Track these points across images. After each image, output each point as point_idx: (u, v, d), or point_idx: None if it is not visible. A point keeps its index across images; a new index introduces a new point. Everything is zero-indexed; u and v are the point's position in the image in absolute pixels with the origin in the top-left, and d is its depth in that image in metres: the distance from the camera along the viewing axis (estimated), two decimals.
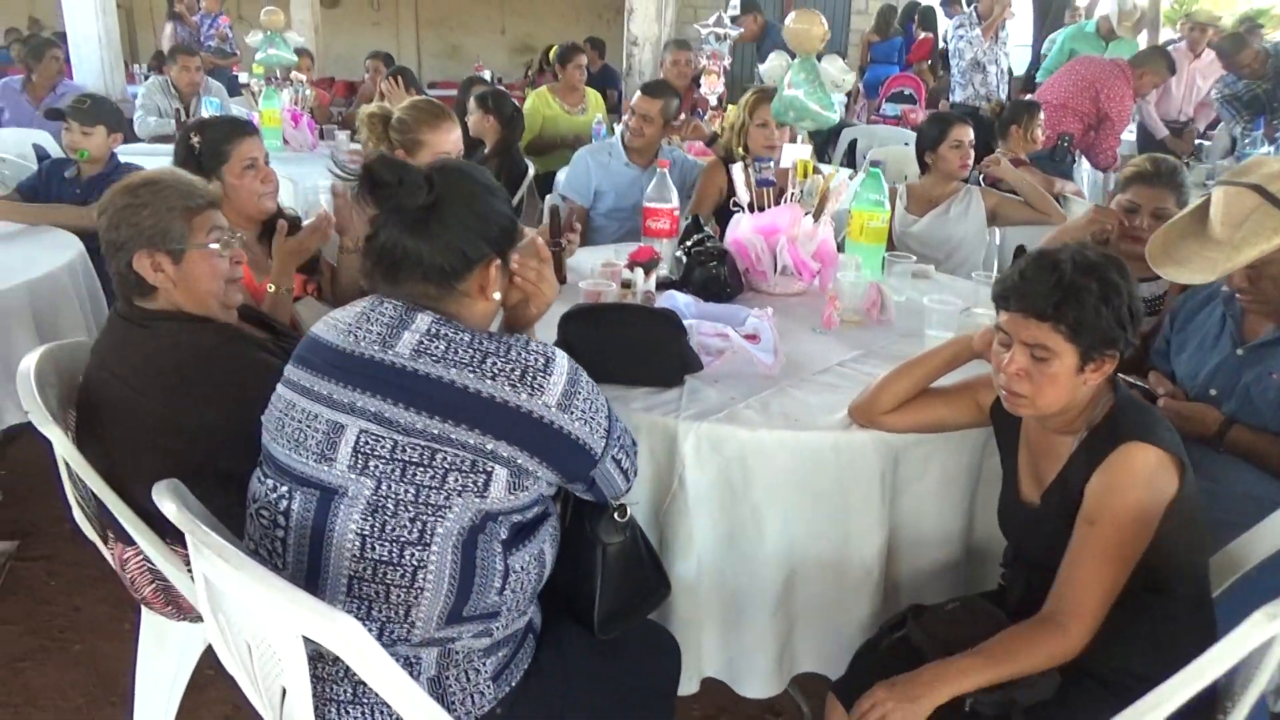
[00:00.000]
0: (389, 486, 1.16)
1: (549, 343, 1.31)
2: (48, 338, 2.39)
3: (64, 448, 1.49)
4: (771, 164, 2.53)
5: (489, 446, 1.16)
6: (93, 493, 1.56)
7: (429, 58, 14.98)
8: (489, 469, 1.17)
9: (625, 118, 3.50)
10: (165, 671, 1.74)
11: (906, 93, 7.54)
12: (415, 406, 1.16)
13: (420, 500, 1.16)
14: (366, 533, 1.17)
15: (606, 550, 1.38)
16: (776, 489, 1.65)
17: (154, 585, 1.64)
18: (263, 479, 1.29)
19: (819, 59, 2.28)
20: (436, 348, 1.19)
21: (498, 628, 1.26)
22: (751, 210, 2.49)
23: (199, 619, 1.67)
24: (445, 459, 1.16)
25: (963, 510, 1.76)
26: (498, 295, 1.31)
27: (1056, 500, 1.41)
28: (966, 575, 1.82)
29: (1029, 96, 5.01)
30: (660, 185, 2.46)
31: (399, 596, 1.18)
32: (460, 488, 1.16)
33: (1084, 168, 5.06)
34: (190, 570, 1.57)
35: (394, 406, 1.17)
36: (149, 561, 1.58)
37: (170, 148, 4.58)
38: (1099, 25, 6.00)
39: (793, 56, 2.42)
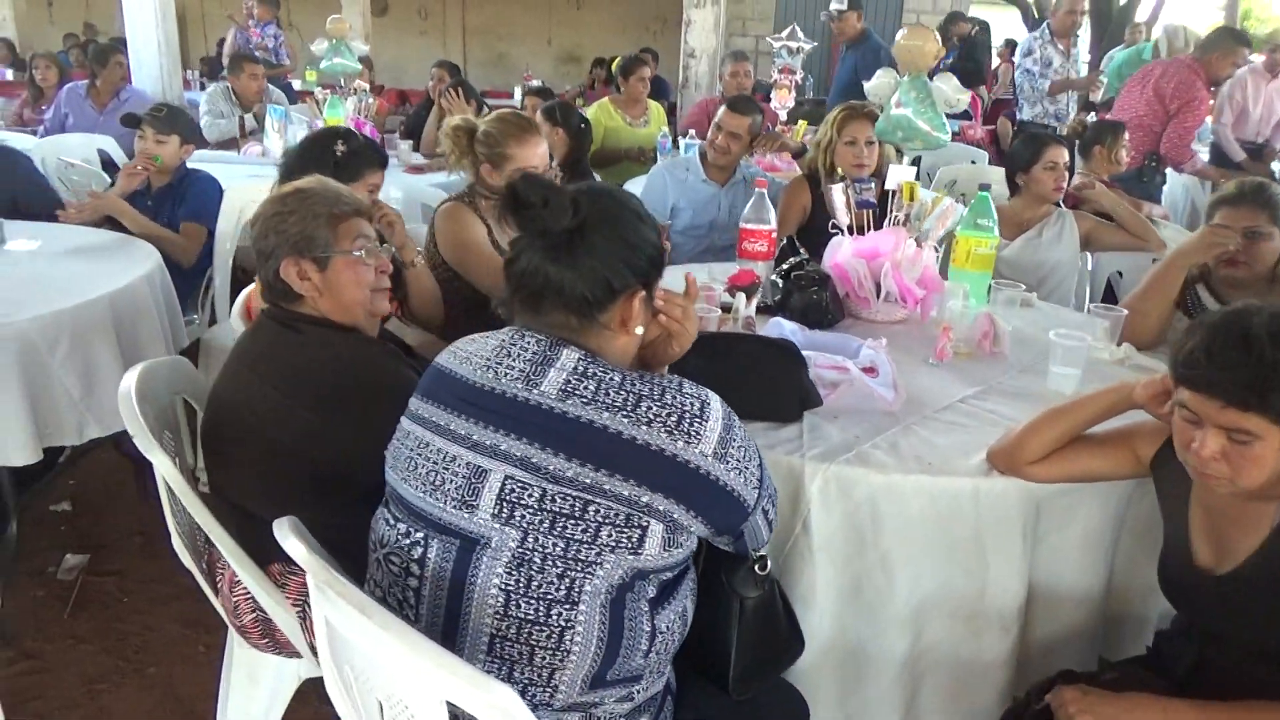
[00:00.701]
0: (536, 539, 1.07)
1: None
2: (128, 351, 2.35)
3: (169, 472, 1.42)
4: (872, 185, 2.43)
5: (644, 499, 1.07)
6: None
7: (475, 66, 15.03)
8: (644, 524, 1.08)
9: (709, 134, 3.40)
10: (257, 709, 1.66)
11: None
12: (565, 452, 1.07)
13: (570, 555, 1.07)
14: (511, 588, 1.08)
15: (744, 604, 1.29)
16: (909, 537, 1.55)
17: (255, 615, 1.56)
18: (391, 521, 1.21)
19: (930, 77, 2.18)
20: (586, 388, 1.10)
21: (639, 690, 1.16)
22: (851, 233, 2.39)
23: (294, 655, 1.60)
24: (598, 511, 1.07)
25: (1104, 566, 1.64)
26: (640, 330, 1.22)
27: (1264, 573, 1.28)
28: (1103, 638, 1.70)
29: (1108, 116, 4.85)
30: (758, 205, 2.37)
31: (543, 659, 1.09)
32: (613, 543, 1.07)
33: (1166, 188, 4.91)
34: (294, 606, 1.52)
35: (541, 451, 1.08)
36: None
37: (231, 154, 4.64)
38: (1155, 49, 5.84)
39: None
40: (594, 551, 1.07)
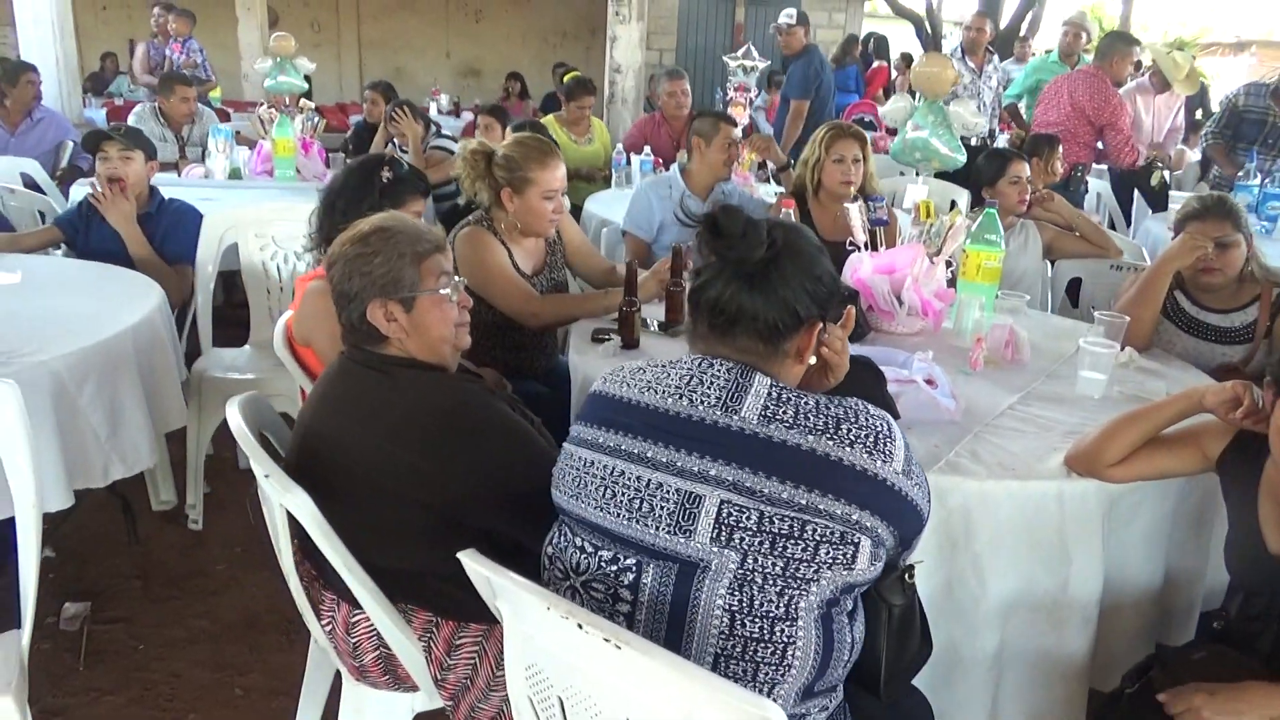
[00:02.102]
0: (756, 560, 1.12)
1: None
2: (149, 385, 2.27)
3: (311, 515, 1.38)
4: (884, 203, 2.54)
5: (854, 516, 1.13)
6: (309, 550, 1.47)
7: (371, 79, 14.74)
8: (856, 540, 1.13)
9: (714, 153, 3.45)
10: None
11: (866, 119, 7.71)
12: (778, 475, 1.12)
13: (789, 574, 1.12)
14: (735, 608, 1.12)
15: (892, 612, 1.35)
16: (998, 539, 1.65)
17: (377, 653, 1.54)
18: (589, 549, 1.23)
19: (946, 102, 2.30)
20: (785, 413, 1.15)
21: (833, 700, 1.22)
22: (867, 249, 2.50)
23: (412, 689, 1.58)
24: (816, 531, 1.12)
25: (1162, 556, 1.78)
26: (813, 359, 1.28)
27: None
28: (1156, 624, 1.84)
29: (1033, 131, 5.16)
30: None
31: (766, 674, 1.13)
32: (830, 560, 1.12)
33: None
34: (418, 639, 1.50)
35: (754, 475, 1.13)
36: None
37: (172, 176, 4.46)
38: (1059, 52, 6.25)
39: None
40: (813, 569, 1.12)
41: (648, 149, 4.84)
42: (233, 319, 3.23)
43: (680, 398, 1.20)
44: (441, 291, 1.57)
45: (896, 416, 1.77)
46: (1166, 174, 5.56)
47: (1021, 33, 10.44)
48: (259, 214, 3.21)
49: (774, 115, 7.36)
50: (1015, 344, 2.27)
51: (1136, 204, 6.02)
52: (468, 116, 9.05)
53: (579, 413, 1.34)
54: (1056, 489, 1.65)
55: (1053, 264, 3.47)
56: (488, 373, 2.31)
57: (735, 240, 1.21)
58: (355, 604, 1.49)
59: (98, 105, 8.41)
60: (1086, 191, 4.87)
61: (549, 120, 5.35)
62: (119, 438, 2.14)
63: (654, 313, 2.44)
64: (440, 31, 14.85)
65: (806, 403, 1.17)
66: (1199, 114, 7.83)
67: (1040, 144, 4.27)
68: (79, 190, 4.05)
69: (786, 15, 5.48)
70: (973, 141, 5.58)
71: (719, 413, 1.17)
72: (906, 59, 11.52)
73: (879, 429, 1.17)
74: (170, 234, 3.10)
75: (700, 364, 1.23)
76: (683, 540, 1.14)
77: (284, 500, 1.39)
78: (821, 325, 1.27)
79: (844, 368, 1.37)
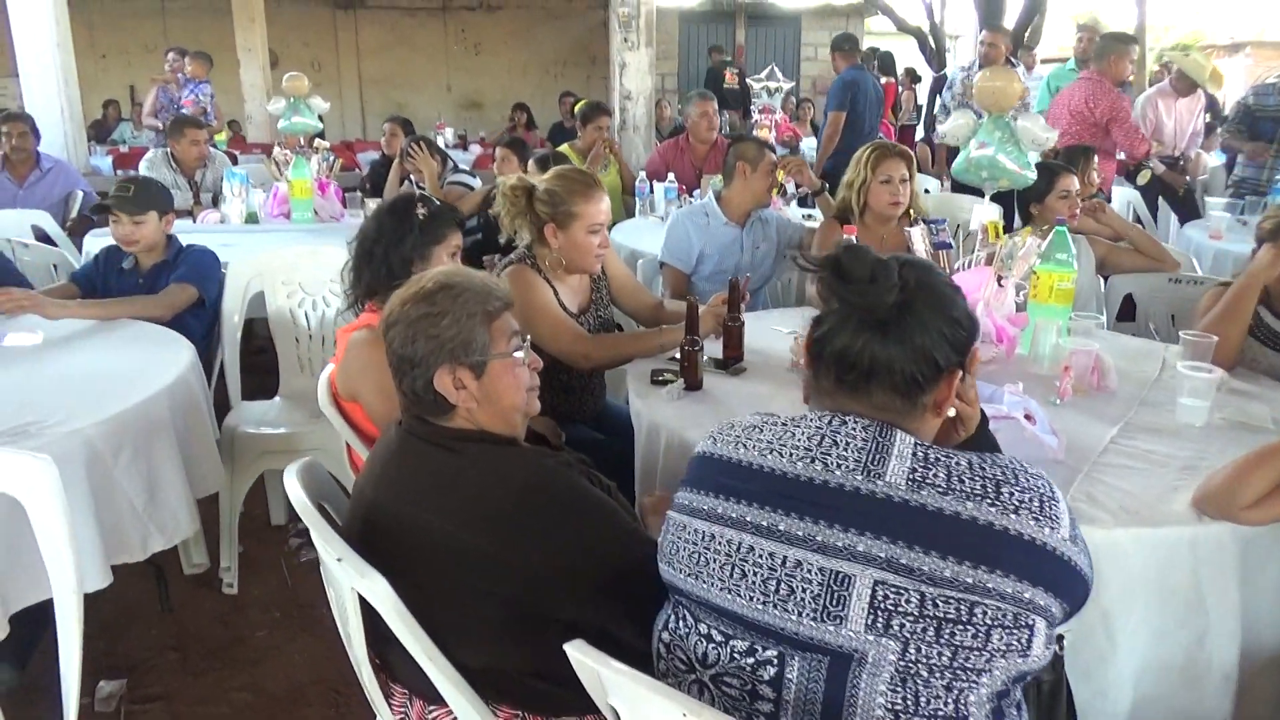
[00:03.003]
0: (920, 649, 0.98)
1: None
2: (185, 448, 2.14)
3: (385, 597, 1.24)
4: (946, 224, 2.42)
5: (1026, 595, 0.99)
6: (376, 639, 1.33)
7: (374, 117, 14.73)
8: (1030, 622, 0.99)
9: (755, 179, 3.34)
10: None
11: (878, 136, 7.64)
12: (937, 549, 0.98)
13: (957, 664, 0.98)
14: (899, 707, 0.98)
15: (1041, 688, 1.22)
16: (1130, 592, 1.51)
17: None
18: (717, 638, 1.08)
19: (1014, 117, 2.18)
20: (935, 476, 1.02)
21: None
22: None
23: None
24: (987, 614, 0.97)
25: None
26: (951, 411, 1.14)
27: None
28: None
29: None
30: None
31: None
32: (1005, 647, 0.98)
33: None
34: None
35: (910, 550, 0.99)
36: None
37: (187, 222, 4.36)
38: (1075, 58, 6.18)
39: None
40: (984, 658, 0.98)
41: (671, 176, 4.72)
42: (248, 366, 3.10)
43: (812, 461, 1.07)
44: (515, 354, 1.44)
45: None
46: (1154, 170, 5.55)
47: (1023, 42, 10.41)
48: (285, 260, 3.10)
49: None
50: (1101, 370, 2.13)
51: (1161, 212, 5.92)
52: (475, 149, 8.99)
53: (685, 477, 1.21)
54: (1189, 535, 1.51)
55: (1105, 279, 3.34)
56: (543, 423, 2.18)
57: (863, 284, 1.08)
58: (431, 699, 1.35)
59: (103, 152, 8.36)
60: (1110, 201, 4.77)
61: (563, 150, 5.25)
62: (157, 507, 2.01)
63: (709, 349, 2.32)
64: (440, 66, 14.86)
65: (958, 463, 1.03)
66: (1207, 117, 7.77)
67: (1075, 155, 4.15)
68: (92, 241, 3.95)
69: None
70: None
71: (860, 478, 1.04)
72: (911, 74, 11.50)
73: (1043, 491, 1.03)
74: (184, 278, 2.97)
75: (831, 422, 1.09)
76: (832, 628, 1.01)
77: (359, 586, 1.25)
78: (961, 373, 1.14)
79: (976, 418, 1.24)
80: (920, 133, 10.52)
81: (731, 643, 1.08)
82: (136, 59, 13.53)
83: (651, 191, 4.77)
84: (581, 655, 1.05)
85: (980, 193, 4.71)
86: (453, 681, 1.26)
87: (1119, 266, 3.27)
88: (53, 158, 5.27)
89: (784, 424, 1.13)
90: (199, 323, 2.98)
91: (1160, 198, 5.92)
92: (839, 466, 1.05)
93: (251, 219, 4.41)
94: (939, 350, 1.09)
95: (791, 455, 1.08)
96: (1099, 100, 4.91)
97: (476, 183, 4.92)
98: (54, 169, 5.11)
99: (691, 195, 4.81)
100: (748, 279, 2.43)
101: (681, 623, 1.14)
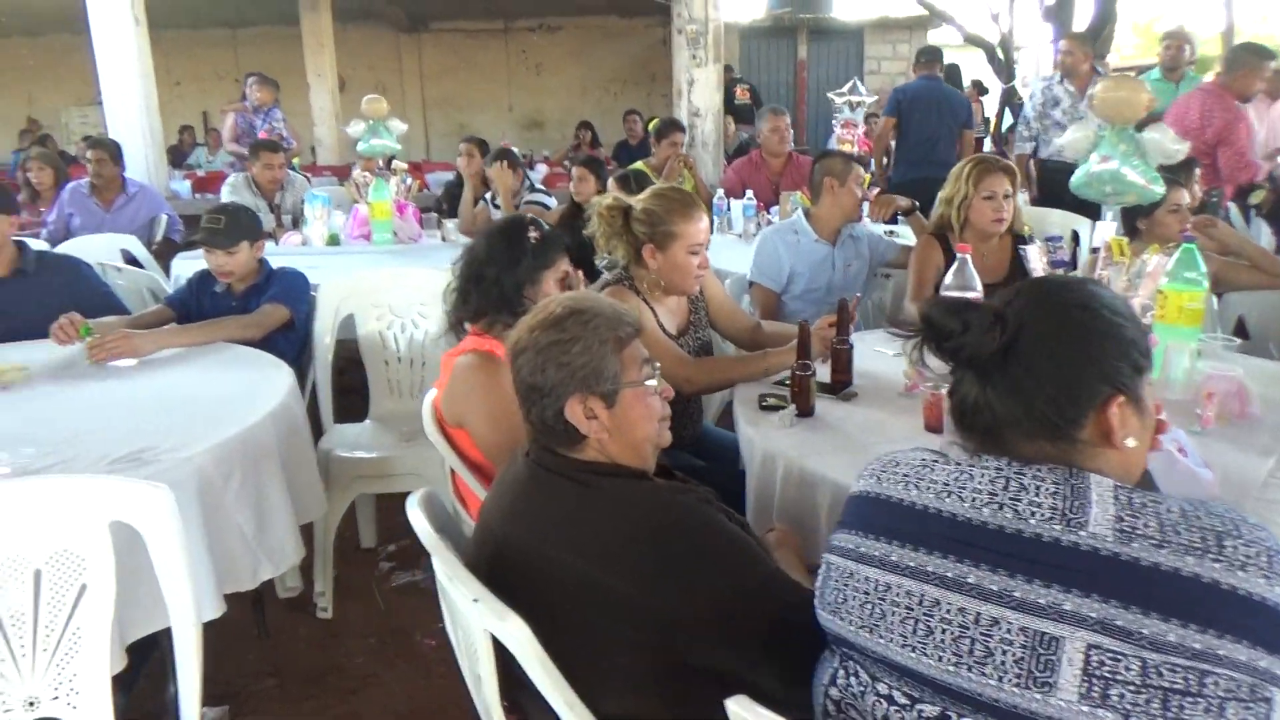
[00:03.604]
0: None
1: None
2: (289, 474, 2.12)
3: (525, 641, 1.18)
4: (1063, 243, 2.32)
5: (1262, 664, 0.88)
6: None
7: (437, 138, 14.95)
8: (1267, 695, 0.89)
9: (844, 195, 3.27)
10: None
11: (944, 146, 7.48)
12: (1158, 611, 0.89)
13: None
14: None
15: None
16: None
17: None
18: (898, 699, 1.01)
19: (1139, 129, 2.08)
20: (1148, 526, 0.93)
21: None
22: None
23: None
24: (1219, 685, 0.87)
25: None
26: (1132, 442, 1.04)
27: None
28: None
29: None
30: (961, 272, 2.23)
31: None
32: None
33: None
34: None
35: (1127, 611, 0.90)
36: None
37: (270, 244, 4.40)
38: (1161, 67, 5.97)
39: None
40: None
41: (749, 193, 4.66)
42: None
43: (1000, 508, 0.98)
44: (647, 383, 1.38)
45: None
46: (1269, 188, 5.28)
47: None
48: (375, 282, 3.09)
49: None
50: (1244, 395, 2.01)
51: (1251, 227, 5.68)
52: (542, 168, 9.02)
53: (845, 519, 1.13)
54: None
55: (1218, 297, 3.19)
56: None
57: (958, 337, 1.02)
58: None
59: (180, 177, 8.57)
60: (1227, 216, 4.57)
61: (641, 166, 5.23)
62: (265, 534, 1.99)
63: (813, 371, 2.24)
64: (501, 87, 15.02)
65: (1169, 510, 0.94)
66: None
67: (1176, 168, 4.01)
68: (180, 265, 4.01)
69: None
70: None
71: (1059, 527, 0.95)
72: (978, 86, 11.30)
73: (1269, 544, 0.92)
74: (276, 298, 2.97)
75: (1011, 464, 1.01)
76: (1039, 696, 0.91)
77: (495, 629, 1.20)
78: (1123, 397, 1.03)
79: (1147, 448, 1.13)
80: (988, 145, 10.34)
81: (919, 707, 1.00)
82: (209, 86, 13.89)
83: (729, 209, 4.71)
84: (745, 712, 0.98)
85: (1063, 205, 4.60)
86: None
87: (1235, 284, 3.11)
88: (137, 182, 5.39)
89: (958, 463, 1.05)
90: (289, 344, 2.98)
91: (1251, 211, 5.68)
92: (1032, 515, 0.97)
93: (333, 241, 4.44)
94: (1074, 383, 1.01)
95: (974, 500, 1.00)
96: (1213, 117, 4.67)
97: (552, 202, 4.91)
98: (139, 194, 5.22)
99: (768, 211, 4.75)
100: (857, 299, 2.35)
101: (854, 679, 1.06)
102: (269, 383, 2.26)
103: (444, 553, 1.29)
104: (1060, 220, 4.39)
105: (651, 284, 2.38)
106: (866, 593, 1.04)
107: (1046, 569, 0.94)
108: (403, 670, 2.50)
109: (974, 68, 11.93)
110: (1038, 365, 1.02)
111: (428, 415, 2.00)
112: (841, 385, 2.20)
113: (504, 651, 1.23)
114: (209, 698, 2.39)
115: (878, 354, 2.44)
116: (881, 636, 1.02)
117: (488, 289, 2.01)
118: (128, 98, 6.78)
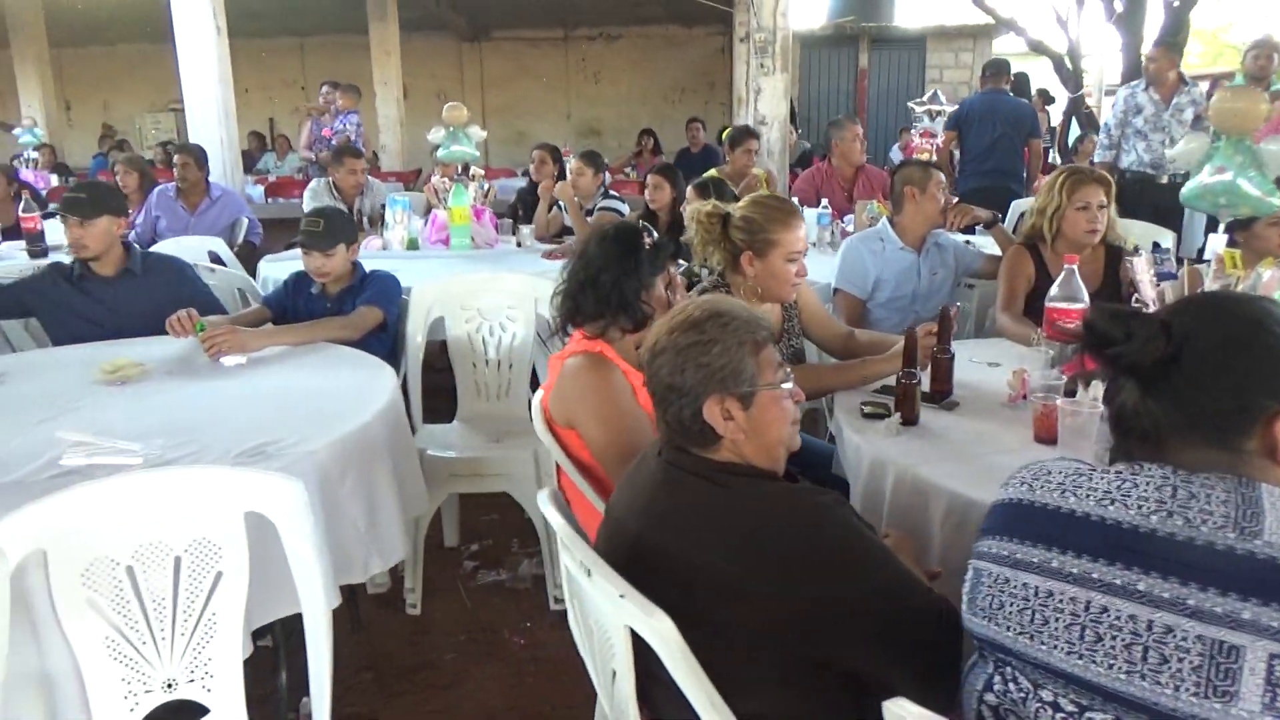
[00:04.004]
0: None
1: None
2: (398, 471, 2.16)
3: (672, 639, 1.19)
4: (1170, 255, 2.29)
5: None
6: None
7: (496, 145, 15.06)
8: None
9: (926, 202, 3.26)
10: None
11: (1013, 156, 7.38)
12: None
13: None
14: None
15: None
16: None
17: None
18: (1065, 706, 1.01)
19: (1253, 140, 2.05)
20: None
21: None
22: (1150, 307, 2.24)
23: None
24: None
25: None
26: None
27: None
28: None
29: None
30: (1067, 283, 2.22)
31: None
32: None
33: None
34: None
35: None
36: None
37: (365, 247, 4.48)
38: (1245, 77, 5.84)
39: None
40: None
41: (824, 201, 4.65)
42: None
43: (1169, 515, 0.98)
44: (783, 386, 1.40)
45: None
46: None
47: None
48: (465, 286, 3.15)
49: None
50: None
51: None
52: (606, 175, 9.06)
53: (990, 524, 1.14)
54: None
55: None
56: None
57: (1121, 344, 1.03)
58: None
59: (251, 181, 8.78)
60: None
61: (714, 172, 5.24)
62: (376, 528, 2.03)
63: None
64: (560, 95, 15.15)
65: None
66: None
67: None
68: (268, 267, 4.11)
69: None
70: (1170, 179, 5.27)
71: (1233, 536, 0.95)
72: (1044, 95, 11.14)
73: None
74: (371, 300, 3.03)
75: (1174, 472, 1.01)
76: (1219, 706, 0.91)
77: (640, 624, 1.22)
78: None
79: None
80: (1054, 155, 10.19)
81: (1089, 715, 1.00)
82: (277, 93, 14.21)
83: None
84: (906, 714, 0.99)
85: (1142, 215, 4.52)
86: None
87: None
88: (221, 186, 5.54)
89: (1118, 472, 1.05)
90: (381, 345, 3.04)
91: None
92: (1204, 522, 0.96)
93: (412, 245, 4.52)
94: (1241, 395, 1.00)
95: (1141, 507, 1.00)
96: None
97: (625, 208, 4.95)
98: (222, 197, 5.37)
99: (842, 220, 4.74)
100: (958, 309, 2.34)
101: (1013, 685, 1.06)
102: (375, 382, 2.32)
103: (584, 548, 1.32)
104: (1142, 231, 4.31)
105: (748, 291, 2.39)
106: (1025, 599, 1.04)
107: (1221, 577, 0.93)
108: (493, 668, 2.53)
109: (1040, 76, 11.76)
110: (1204, 377, 1.02)
111: (537, 416, 2.04)
112: (942, 395, 2.19)
113: (636, 649, 1.26)
114: (307, 687, 2.47)
115: (971, 363, 2.43)
116: (1044, 643, 1.02)
117: (604, 293, 2.03)
118: (207, 104, 6.98)
